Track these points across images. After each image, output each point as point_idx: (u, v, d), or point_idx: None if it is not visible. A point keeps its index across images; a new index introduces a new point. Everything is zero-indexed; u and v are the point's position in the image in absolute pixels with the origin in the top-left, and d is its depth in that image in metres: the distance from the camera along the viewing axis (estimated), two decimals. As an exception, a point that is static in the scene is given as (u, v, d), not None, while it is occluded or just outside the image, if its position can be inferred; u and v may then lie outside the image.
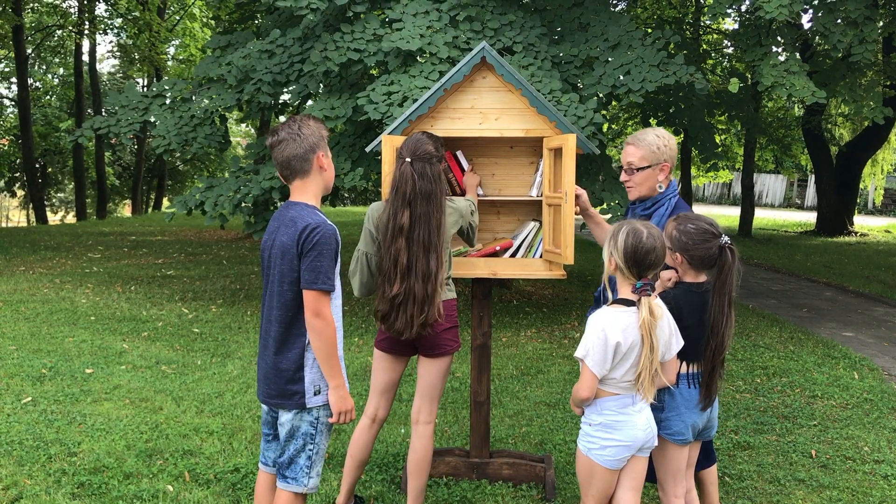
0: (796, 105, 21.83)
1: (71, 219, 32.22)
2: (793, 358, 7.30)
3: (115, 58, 29.86)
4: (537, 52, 7.67)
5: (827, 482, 4.42)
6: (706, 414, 3.15)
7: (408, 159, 3.51)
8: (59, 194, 35.57)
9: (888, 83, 14.23)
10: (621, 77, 7.51)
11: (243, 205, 8.04)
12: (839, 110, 21.19)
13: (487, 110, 4.06)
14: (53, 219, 30.79)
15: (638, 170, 3.45)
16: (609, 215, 7.72)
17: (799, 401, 5.98)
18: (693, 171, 27.73)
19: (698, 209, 27.21)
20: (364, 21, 7.62)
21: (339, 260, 2.95)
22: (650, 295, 2.86)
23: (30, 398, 5.40)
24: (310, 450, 3.00)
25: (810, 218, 25.50)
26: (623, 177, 3.53)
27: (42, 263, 11.93)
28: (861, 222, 25.12)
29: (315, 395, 2.96)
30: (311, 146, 2.95)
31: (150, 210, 31.11)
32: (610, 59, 7.76)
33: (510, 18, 7.80)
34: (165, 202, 31.34)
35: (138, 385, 5.83)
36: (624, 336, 2.84)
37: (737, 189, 35.66)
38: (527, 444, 4.96)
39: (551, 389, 6.15)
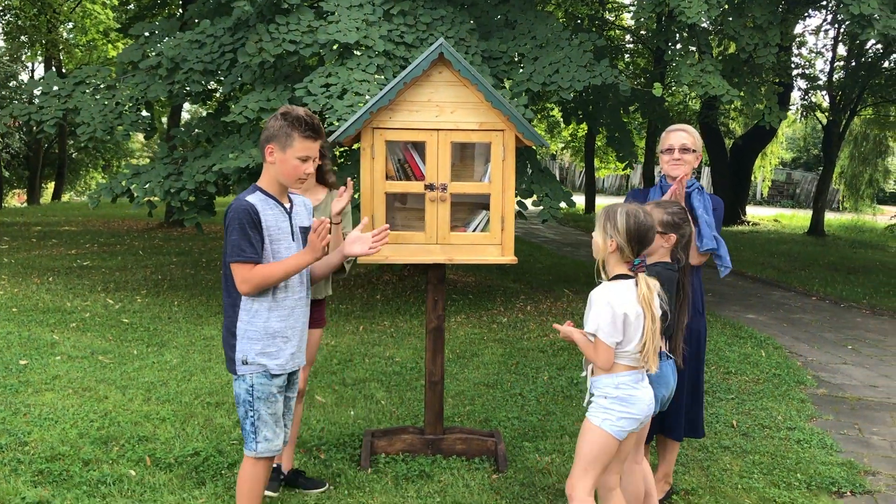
0: (690, 101, 22.87)
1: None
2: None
3: (2, 41, 28.15)
4: (468, 46, 7.91)
5: (749, 448, 4.86)
6: (672, 386, 3.44)
7: None
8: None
9: (777, 81, 15.18)
10: (551, 76, 7.84)
11: (175, 192, 7.95)
12: (733, 105, 22.32)
13: (444, 104, 4.26)
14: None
15: (693, 150, 3.94)
16: (541, 207, 8.03)
17: (716, 377, 6.47)
18: (596, 162, 28.75)
19: (600, 200, 27.61)
20: (298, 13, 7.67)
21: (261, 231, 3.06)
22: (645, 270, 3.06)
23: (-34, 390, 5.29)
24: (251, 416, 3.16)
25: (706, 208, 26.68)
26: (676, 154, 3.94)
27: (-56, 255, 11.42)
28: (752, 212, 26.59)
29: (243, 364, 3.13)
30: (265, 137, 3.19)
31: (42, 200, 29.68)
32: (538, 56, 8.08)
33: (441, 13, 8.00)
34: (65, 193, 29.99)
35: (78, 375, 5.77)
36: (629, 306, 2.97)
37: (635, 180, 37.00)
38: (472, 421, 5.22)
39: (487, 371, 6.43)
